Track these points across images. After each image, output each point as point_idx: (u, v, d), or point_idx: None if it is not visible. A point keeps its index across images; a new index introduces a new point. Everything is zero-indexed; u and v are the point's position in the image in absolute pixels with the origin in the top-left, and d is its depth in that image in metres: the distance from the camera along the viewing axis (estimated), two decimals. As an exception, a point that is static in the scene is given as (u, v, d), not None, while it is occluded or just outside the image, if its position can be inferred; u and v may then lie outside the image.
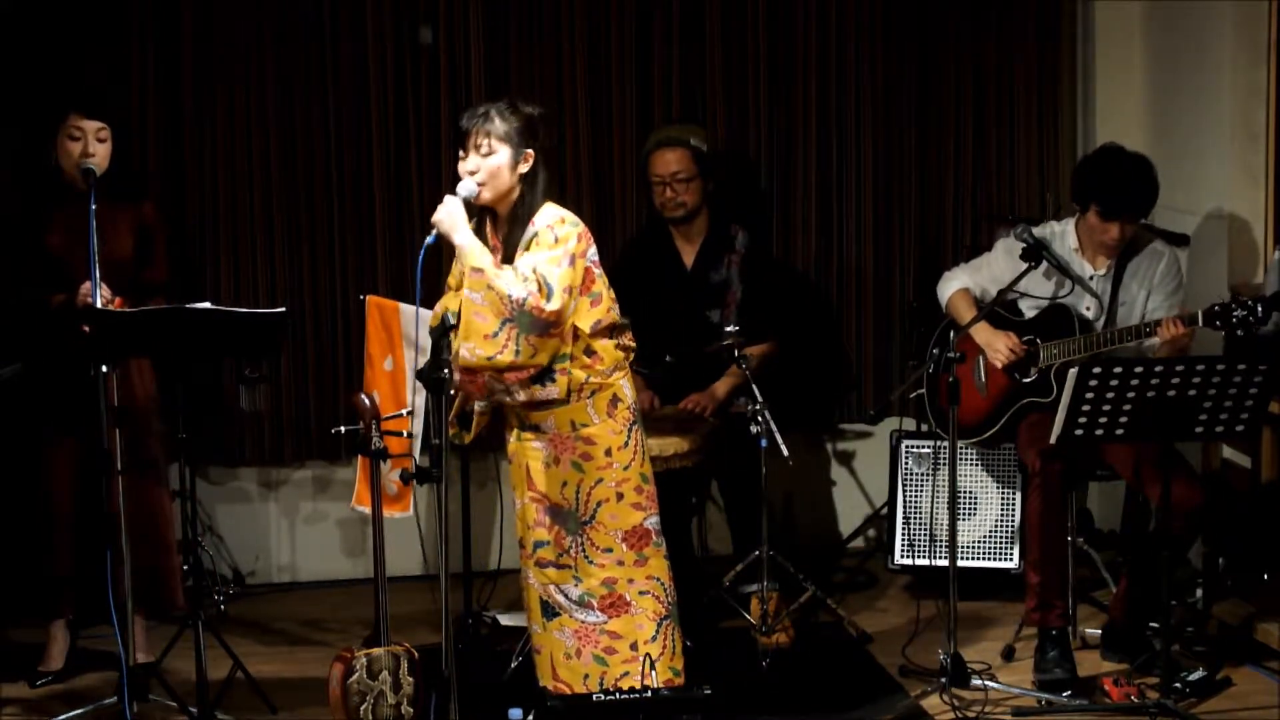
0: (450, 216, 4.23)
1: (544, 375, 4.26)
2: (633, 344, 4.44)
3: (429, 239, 4.24)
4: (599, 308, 4.32)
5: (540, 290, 4.16)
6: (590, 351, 4.30)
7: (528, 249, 4.25)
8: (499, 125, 4.25)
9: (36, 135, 5.04)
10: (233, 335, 4.67)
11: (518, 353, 4.16)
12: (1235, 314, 4.66)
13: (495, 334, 4.15)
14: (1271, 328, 5.26)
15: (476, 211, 4.33)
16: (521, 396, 4.29)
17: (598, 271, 4.33)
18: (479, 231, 4.33)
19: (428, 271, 4.24)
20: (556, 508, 4.38)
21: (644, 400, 5.65)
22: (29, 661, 5.23)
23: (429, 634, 5.10)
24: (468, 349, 4.15)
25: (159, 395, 5.13)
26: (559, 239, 4.22)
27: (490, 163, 4.26)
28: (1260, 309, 4.63)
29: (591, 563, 4.36)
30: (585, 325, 4.29)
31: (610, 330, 4.35)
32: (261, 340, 4.77)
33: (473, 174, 4.27)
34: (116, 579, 4.59)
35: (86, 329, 4.62)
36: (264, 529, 6.28)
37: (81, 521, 4.98)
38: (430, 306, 4.38)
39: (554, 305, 4.16)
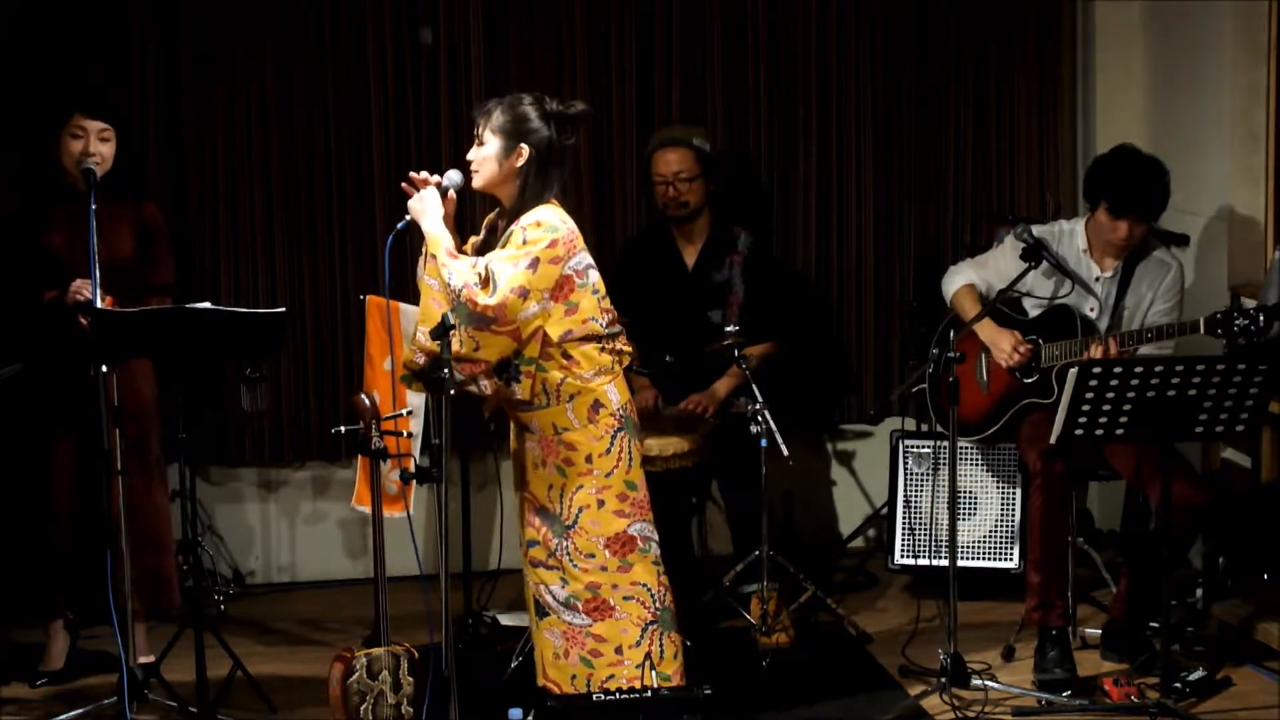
0: (422, 203, 4.30)
1: (507, 373, 4.24)
2: (628, 348, 4.40)
3: (400, 224, 4.32)
4: (573, 318, 4.25)
5: (484, 284, 4.15)
6: (567, 355, 4.27)
7: (503, 246, 4.26)
8: (495, 117, 4.30)
9: (39, 135, 5.04)
10: (233, 335, 4.67)
11: (461, 343, 4.14)
12: (1237, 323, 4.65)
13: None
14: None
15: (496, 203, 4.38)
16: (488, 389, 4.25)
17: (581, 281, 4.26)
18: (493, 224, 4.37)
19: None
20: (544, 509, 4.36)
21: (647, 399, 5.65)
22: (29, 661, 5.23)
23: (429, 634, 5.09)
24: (422, 333, 4.17)
25: (159, 395, 5.13)
26: (527, 241, 4.21)
27: (481, 153, 4.32)
28: (1262, 319, 4.63)
29: (575, 566, 4.34)
30: (554, 334, 4.23)
31: (592, 339, 4.29)
32: (261, 340, 4.77)
33: (469, 162, 4.32)
34: (116, 579, 4.60)
35: (84, 321, 4.62)
36: (264, 529, 6.28)
37: (81, 522, 4.98)
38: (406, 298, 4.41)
39: (490, 300, 4.13)
